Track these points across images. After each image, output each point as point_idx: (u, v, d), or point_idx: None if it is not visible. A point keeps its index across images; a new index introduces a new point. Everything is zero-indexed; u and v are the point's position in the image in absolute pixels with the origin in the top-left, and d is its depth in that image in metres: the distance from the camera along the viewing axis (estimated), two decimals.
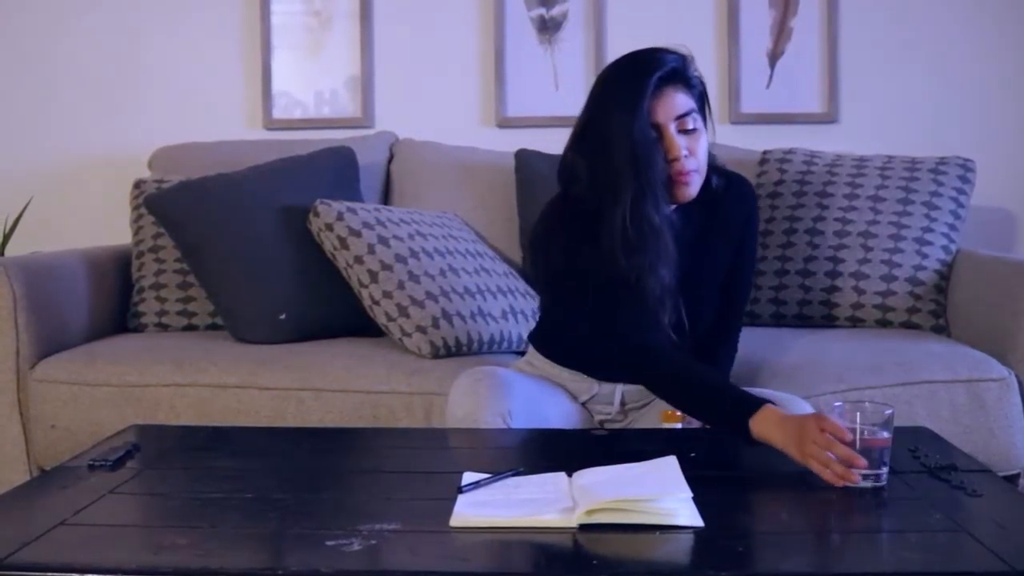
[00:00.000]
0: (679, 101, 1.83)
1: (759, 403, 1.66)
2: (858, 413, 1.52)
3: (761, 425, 1.64)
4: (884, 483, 1.49)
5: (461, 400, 1.91)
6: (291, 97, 3.37)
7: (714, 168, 1.97)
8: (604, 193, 1.83)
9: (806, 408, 1.92)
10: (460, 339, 2.39)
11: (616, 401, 2.07)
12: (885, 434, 1.50)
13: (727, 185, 2.00)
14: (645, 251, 1.81)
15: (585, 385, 2.07)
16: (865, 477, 1.48)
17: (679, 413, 1.89)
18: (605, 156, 1.82)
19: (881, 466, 1.49)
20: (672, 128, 1.82)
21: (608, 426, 2.09)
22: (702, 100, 1.90)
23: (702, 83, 1.90)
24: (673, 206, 1.90)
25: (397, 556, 1.29)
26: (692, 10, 3.26)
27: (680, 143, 1.83)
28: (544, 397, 2.02)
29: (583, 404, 2.09)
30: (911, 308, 2.62)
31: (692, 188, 1.87)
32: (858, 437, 1.49)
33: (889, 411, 1.51)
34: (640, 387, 2.02)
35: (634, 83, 1.82)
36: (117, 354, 2.45)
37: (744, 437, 1.66)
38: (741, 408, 1.67)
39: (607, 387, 2.06)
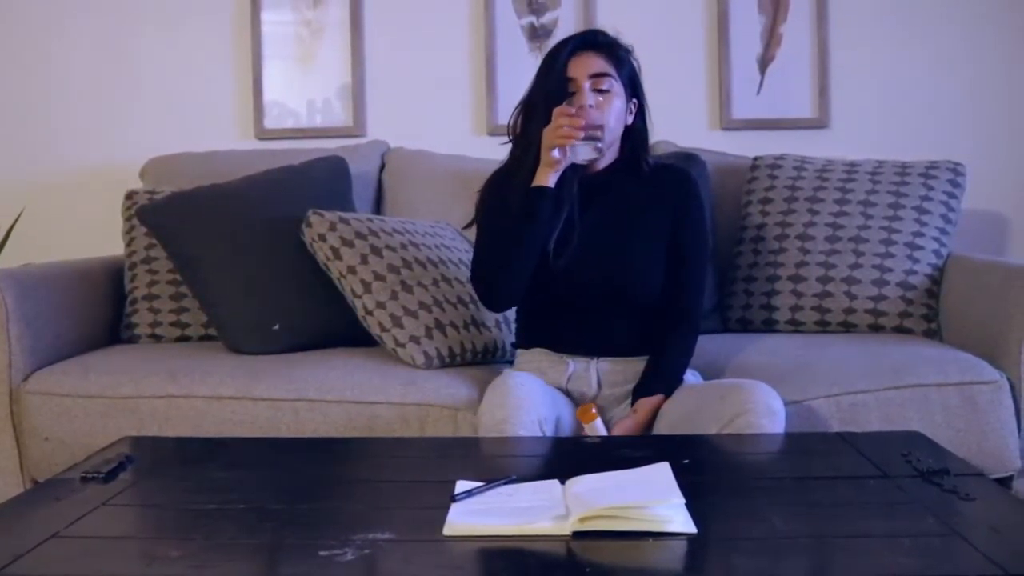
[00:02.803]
0: (596, 62, 2.09)
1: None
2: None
3: (540, 178, 2.05)
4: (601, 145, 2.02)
5: (500, 402, 1.94)
6: (283, 107, 3.38)
7: (656, 157, 2.27)
8: (523, 135, 2.13)
9: (771, 393, 1.96)
10: (454, 349, 2.39)
11: (592, 380, 2.16)
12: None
13: (664, 171, 2.23)
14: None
15: (560, 367, 2.18)
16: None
17: (594, 410, 2.01)
18: (529, 104, 2.12)
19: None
20: (586, 84, 2.08)
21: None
22: (632, 83, 2.14)
23: (632, 66, 2.15)
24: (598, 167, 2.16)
25: (390, 565, 1.29)
26: (682, 17, 3.28)
27: (589, 96, 2.07)
28: (554, 401, 2.09)
29: (567, 392, 2.17)
30: (903, 312, 2.63)
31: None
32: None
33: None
34: (613, 363, 2.16)
35: (561, 45, 2.12)
36: (110, 366, 2.45)
37: (538, 199, 2.04)
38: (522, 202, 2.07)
39: (580, 363, 2.17)
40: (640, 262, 2.16)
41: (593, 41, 2.12)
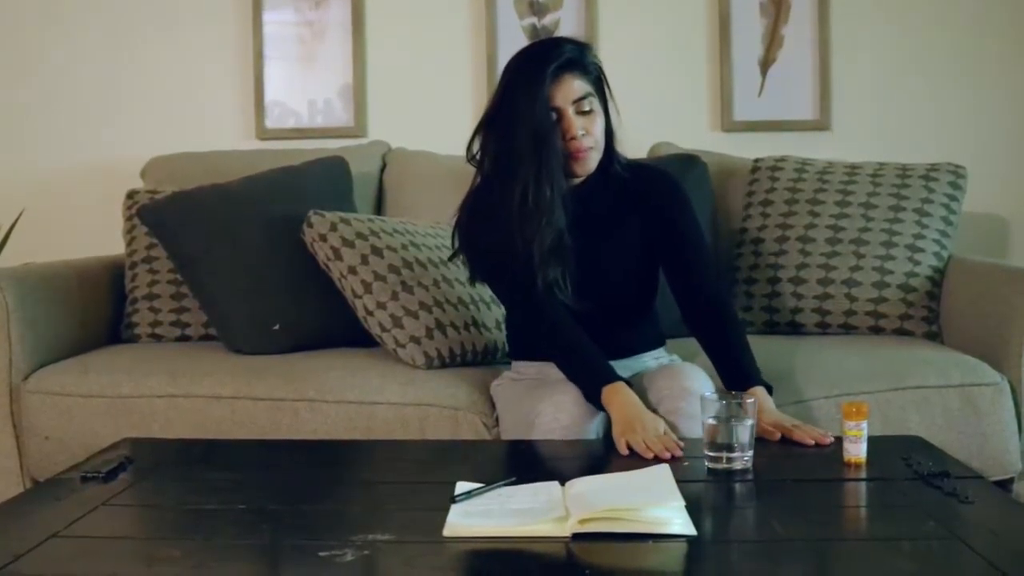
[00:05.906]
0: (576, 86, 2.01)
1: (616, 378, 1.94)
2: (723, 403, 1.68)
3: (609, 396, 1.91)
4: (749, 465, 1.64)
5: (568, 409, 1.94)
6: (284, 107, 3.38)
7: (631, 162, 2.18)
8: (505, 171, 2.01)
9: (692, 374, 1.99)
10: (454, 349, 2.39)
11: None
12: (749, 422, 1.65)
13: (640, 174, 2.17)
14: (537, 221, 1.99)
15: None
16: (732, 460, 1.63)
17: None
18: (508, 139, 2.01)
19: (748, 449, 1.64)
20: (570, 110, 2.01)
21: None
22: (599, 84, 2.07)
23: (598, 69, 2.07)
24: (576, 180, 2.09)
25: (390, 566, 1.29)
26: (684, 19, 3.28)
27: (577, 123, 2.01)
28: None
29: None
30: (903, 315, 2.62)
31: (590, 163, 2.06)
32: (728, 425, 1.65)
33: (751, 400, 1.68)
34: (615, 364, 2.08)
35: (535, 72, 2.00)
36: (110, 365, 2.45)
37: (595, 402, 1.92)
38: (599, 377, 1.95)
39: None
40: (632, 275, 2.16)
41: (568, 63, 2.00)
